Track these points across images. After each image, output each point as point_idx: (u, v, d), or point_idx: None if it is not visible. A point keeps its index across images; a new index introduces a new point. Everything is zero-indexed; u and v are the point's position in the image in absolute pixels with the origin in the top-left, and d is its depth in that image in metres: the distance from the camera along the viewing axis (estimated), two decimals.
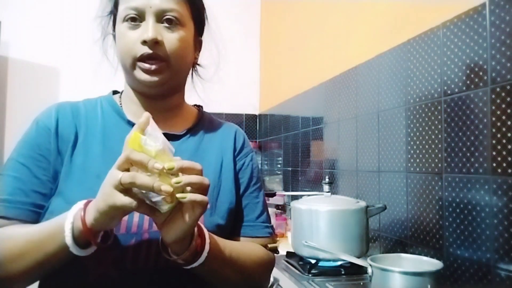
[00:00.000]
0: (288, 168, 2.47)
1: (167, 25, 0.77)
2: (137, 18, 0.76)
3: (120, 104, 0.86)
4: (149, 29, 0.75)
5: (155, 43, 0.75)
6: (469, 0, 1.06)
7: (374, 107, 1.51)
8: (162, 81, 0.78)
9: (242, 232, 0.86)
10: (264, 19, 3.19)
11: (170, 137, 0.83)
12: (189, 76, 0.91)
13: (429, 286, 0.90)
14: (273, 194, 2.11)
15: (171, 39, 0.77)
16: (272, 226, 0.92)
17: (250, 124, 3.17)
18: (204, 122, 0.92)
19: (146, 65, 0.76)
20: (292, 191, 2.37)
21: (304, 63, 2.33)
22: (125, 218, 0.72)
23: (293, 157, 2.39)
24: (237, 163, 0.90)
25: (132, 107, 0.85)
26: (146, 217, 0.74)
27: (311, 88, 2.14)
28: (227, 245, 0.75)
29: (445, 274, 1.08)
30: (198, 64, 0.94)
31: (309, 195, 1.51)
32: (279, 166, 2.65)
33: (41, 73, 2.79)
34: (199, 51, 0.91)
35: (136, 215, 0.73)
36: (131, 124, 0.81)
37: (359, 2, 1.70)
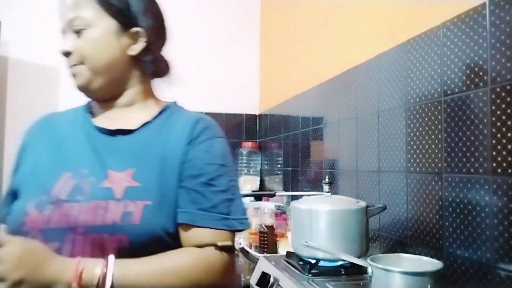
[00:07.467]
0: (288, 168, 2.47)
1: (76, 32, 0.86)
2: (64, 31, 0.89)
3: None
4: (62, 42, 0.87)
5: (69, 54, 0.87)
6: (469, 0, 1.06)
7: (374, 107, 1.51)
8: (86, 82, 0.88)
9: (190, 219, 0.81)
10: (264, 19, 3.19)
11: (119, 132, 0.88)
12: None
13: (429, 286, 0.89)
14: (273, 194, 2.11)
15: (79, 45, 0.86)
16: (237, 219, 0.85)
17: (250, 124, 3.16)
18: (165, 116, 0.92)
19: (71, 71, 0.88)
20: (292, 191, 2.36)
21: (304, 63, 2.33)
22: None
23: (293, 157, 2.39)
24: (190, 152, 0.85)
25: (95, 108, 0.96)
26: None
27: (311, 88, 2.14)
28: (144, 269, 0.74)
29: (445, 274, 1.08)
30: (144, 59, 0.91)
31: (309, 195, 1.51)
32: (279, 166, 2.65)
33: (41, 73, 2.78)
34: (136, 43, 0.90)
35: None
36: (95, 127, 0.90)
37: (359, 2, 1.70)
